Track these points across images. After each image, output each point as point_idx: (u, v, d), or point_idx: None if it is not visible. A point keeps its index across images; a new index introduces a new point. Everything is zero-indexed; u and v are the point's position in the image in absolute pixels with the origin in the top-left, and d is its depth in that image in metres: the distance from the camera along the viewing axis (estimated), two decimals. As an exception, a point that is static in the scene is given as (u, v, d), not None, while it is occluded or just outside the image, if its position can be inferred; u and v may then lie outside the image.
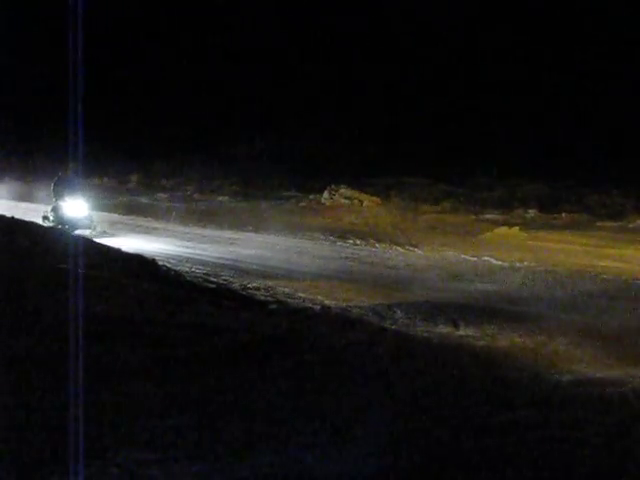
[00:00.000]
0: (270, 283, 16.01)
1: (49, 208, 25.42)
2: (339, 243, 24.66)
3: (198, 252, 21.49)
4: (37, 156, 44.48)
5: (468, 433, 7.10)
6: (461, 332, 11.88)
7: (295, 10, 47.44)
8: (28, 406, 6.89)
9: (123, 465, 5.83)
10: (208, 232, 26.36)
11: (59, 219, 24.65)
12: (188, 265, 18.46)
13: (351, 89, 46.60)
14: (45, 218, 25.13)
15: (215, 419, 6.95)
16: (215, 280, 15.88)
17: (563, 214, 31.76)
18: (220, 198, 38.25)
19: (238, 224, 28.33)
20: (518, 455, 6.61)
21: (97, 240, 20.45)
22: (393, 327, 11.49)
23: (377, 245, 24.03)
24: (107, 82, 48.31)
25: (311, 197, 39.73)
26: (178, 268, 17.31)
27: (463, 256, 21.29)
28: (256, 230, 26.90)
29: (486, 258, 20.66)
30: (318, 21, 48.30)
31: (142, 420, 6.75)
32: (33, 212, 26.75)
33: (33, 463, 5.80)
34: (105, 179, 43.22)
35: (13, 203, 33.42)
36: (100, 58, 42.96)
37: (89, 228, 24.55)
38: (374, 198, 37.44)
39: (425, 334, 11.31)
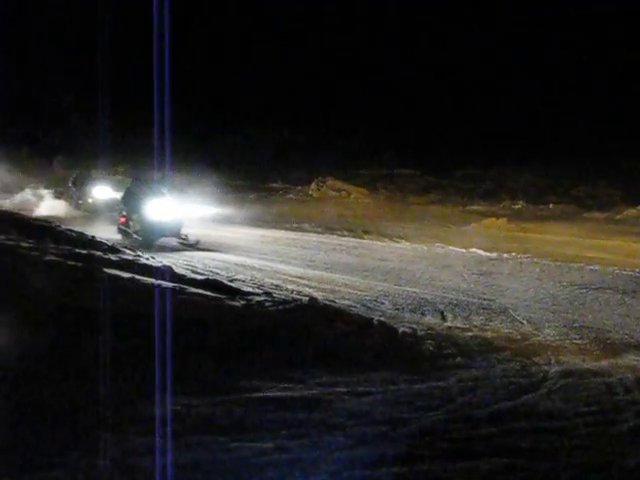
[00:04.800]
0: (257, 275, 16.00)
1: (121, 219, 21.95)
2: (327, 235, 24.67)
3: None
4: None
5: (457, 423, 7.14)
6: (449, 323, 11.90)
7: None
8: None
9: (114, 458, 5.85)
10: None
11: (140, 227, 21.14)
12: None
13: (337, 80, 46.56)
14: (123, 231, 21.60)
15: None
16: (201, 270, 15.86)
17: (551, 205, 31.87)
18: (207, 189, 38.20)
19: (225, 216, 28.40)
20: (505, 445, 6.66)
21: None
22: (381, 318, 11.48)
23: (365, 237, 24.05)
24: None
25: (298, 189, 39.74)
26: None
27: (451, 247, 21.33)
28: (242, 222, 26.92)
29: (474, 249, 20.70)
30: (309, 12, 48.21)
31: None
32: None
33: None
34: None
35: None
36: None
37: (177, 236, 21.35)
38: (362, 190, 37.51)
39: (413, 325, 11.32)
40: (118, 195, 25.15)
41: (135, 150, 41.15)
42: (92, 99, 39.52)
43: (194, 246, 20.71)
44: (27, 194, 33.16)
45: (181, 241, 21.21)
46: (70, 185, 31.04)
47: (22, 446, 6.00)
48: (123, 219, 21.85)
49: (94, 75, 42.69)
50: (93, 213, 27.85)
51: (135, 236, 20.88)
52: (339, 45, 47.59)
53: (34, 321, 8.88)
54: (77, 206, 29.79)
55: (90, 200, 29.36)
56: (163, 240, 20.96)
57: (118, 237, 20.96)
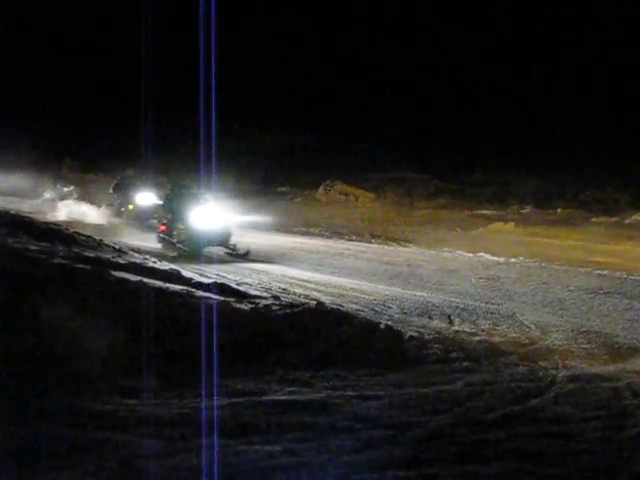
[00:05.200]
0: (264, 278, 16.02)
1: (161, 227, 20.83)
2: (334, 238, 24.68)
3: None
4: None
5: (464, 426, 7.14)
6: (456, 327, 11.90)
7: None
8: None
9: (123, 459, 5.87)
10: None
11: (185, 237, 19.82)
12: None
13: (346, 84, 46.59)
14: (164, 240, 20.46)
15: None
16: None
17: (559, 210, 31.83)
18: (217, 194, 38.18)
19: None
20: (513, 449, 6.65)
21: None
22: (388, 322, 11.49)
23: (372, 240, 24.06)
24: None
25: (306, 193, 39.76)
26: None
27: (458, 252, 21.32)
28: (250, 226, 26.91)
29: (481, 254, 20.69)
30: (316, 18, 48.25)
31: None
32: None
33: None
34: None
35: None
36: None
37: (226, 246, 20.11)
38: (369, 194, 37.51)
39: (420, 329, 11.32)
40: (160, 202, 24.27)
41: (173, 155, 40.87)
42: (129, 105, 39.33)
43: (244, 257, 19.48)
44: (68, 202, 31.69)
45: (229, 251, 20.00)
46: (111, 191, 29.79)
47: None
48: (163, 227, 20.66)
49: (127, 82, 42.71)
50: (135, 221, 26.88)
51: (180, 246, 19.67)
52: (346, 47, 47.63)
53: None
54: (118, 213, 28.59)
55: (132, 207, 28.13)
56: (210, 250, 19.81)
57: (158, 246, 20.23)
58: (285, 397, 7.71)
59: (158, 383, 7.82)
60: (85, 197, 32.39)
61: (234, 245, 20.02)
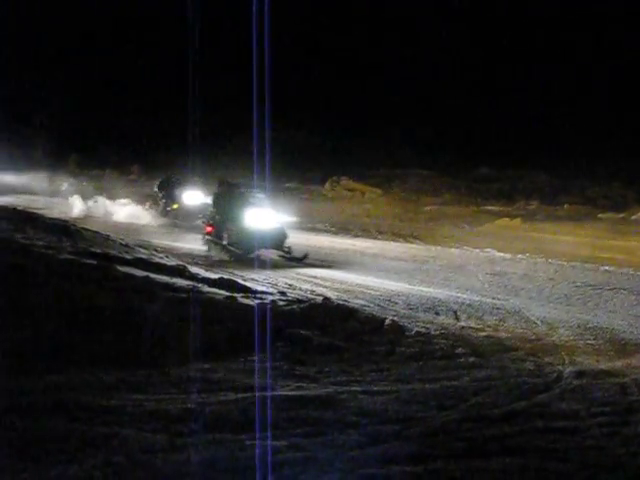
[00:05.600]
0: (271, 273, 16.02)
1: (208, 228, 19.49)
2: (340, 234, 24.67)
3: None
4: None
5: (470, 422, 7.14)
6: (462, 323, 11.90)
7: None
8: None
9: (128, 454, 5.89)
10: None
11: (236, 239, 18.35)
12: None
13: (351, 79, 46.55)
14: (211, 242, 19.16)
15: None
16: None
17: (565, 206, 31.78)
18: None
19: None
20: (519, 444, 6.66)
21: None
22: (394, 318, 11.49)
23: (379, 236, 24.04)
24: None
25: (312, 188, 39.75)
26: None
27: (465, 247, 21.30)
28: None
29: (488, 249, 20.67)
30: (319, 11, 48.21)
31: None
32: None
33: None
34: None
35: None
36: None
37: (280, 249, 18.52)
38: (376, 190, 37.48)
39: (426, 325, 11.32)
40: (209, 201, 22.52)
41: (220, 152, 40.48)
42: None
43: (301, 260, 18.07)
44: (106, 202, 29.90)
45: (284, 254, 18.44)
46: (156, 190, 28.31)
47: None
48: (210, 228, 19.28)
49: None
50: (182, 220, 25.70)
51: (231, 248, 18.30)
52: (352, 43, 47.58)
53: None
54: (164, 213, 27.19)
55: (178, 206, 26.89)
56: (263, 253, 18.15)
57: (204, 248, 19.23)
58: (292, 392, 7.72)
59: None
60: (114, 195, 30.90)
61: (289, 248, 18.55)
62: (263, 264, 17.15)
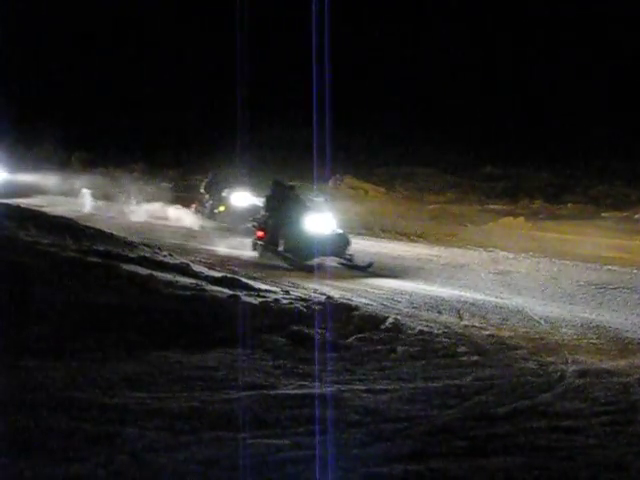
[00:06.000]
0: (275, 272, 16.03)
1: (259, 233, 18.20)
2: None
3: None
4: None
5: (473, 421, 7.15)
6: (465, 322, 11.90)
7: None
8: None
9: (133, 452, 5.90)
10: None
11: (293, 244, 17.17)
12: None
13: (353, 77, 46.52)
14: (263, 248, 17.93)
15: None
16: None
17: (568, 205, 31.75)
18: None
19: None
20: (522, 443, 6.66)
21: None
22: (397, 317, 11.49)
23: (382, 235, 24.03)
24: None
25: (316, 186, 39.72)
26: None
27: (468, 246, 21.29)
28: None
29: (491, 248, 20.65)
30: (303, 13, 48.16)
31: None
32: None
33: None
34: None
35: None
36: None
37: (342, 256, 17.28)
38: (379, 188, 37.46)
39: (429, 324, 11.33)
40: (259, 202, 21.76)
41: (269, 152, 39.97)
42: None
43: (365, 269, 16.82)
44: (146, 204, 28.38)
45: (345, 262, 17.22)
46: (202, 191, 26.44)
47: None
48: (261, 233, 18.01)
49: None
50: (230, 224, 23.93)
51: (289, 255, 17.12)
52: (352, 42, 47.53)
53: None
54: (211, 215, 25.42)
55: (223, 208, 25.11)
56: (322, 261, 17.08)
57: (254, 254, 18.12)
58: (295, 391, 7.73)
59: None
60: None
61: (351, 256, 17.29)
62: (324, 273, 16.16)
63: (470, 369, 8.98)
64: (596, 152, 36.33)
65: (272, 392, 7.61)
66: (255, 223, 18.88)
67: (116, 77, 49.72)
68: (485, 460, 6.27)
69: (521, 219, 27.21)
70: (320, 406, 7.26)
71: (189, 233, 22.79)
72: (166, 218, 25.90)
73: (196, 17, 50.12)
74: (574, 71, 41.43)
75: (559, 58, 42.61)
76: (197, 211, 26.02)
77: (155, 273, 11.50)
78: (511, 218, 27.51)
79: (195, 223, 24.87)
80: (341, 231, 17.57)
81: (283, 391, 7.68)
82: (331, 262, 17.17)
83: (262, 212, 18.80)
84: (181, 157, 44.03)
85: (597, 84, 40.41)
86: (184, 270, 12.65)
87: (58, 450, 5.89)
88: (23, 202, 24.44)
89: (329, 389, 7.83)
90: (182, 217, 25.65)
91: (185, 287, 11.00)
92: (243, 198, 24.93)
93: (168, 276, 11.58)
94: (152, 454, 5.96)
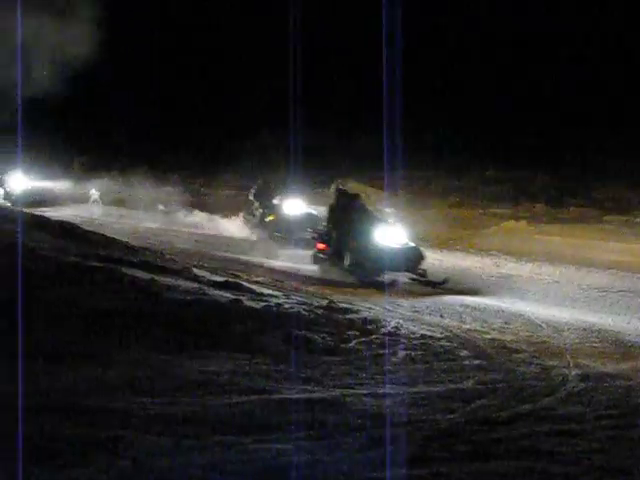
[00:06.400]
0: (277, 277, 16.03)
1: (319, 245, 17.32)
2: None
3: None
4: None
5: (475, 425, 7.14)
6: (467, 326, 11.90)
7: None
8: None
9: (135, 457, 5.89)
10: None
11: (361, 258, 16.01)
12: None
13: (354, 80, 46.55)
14: (325, 261, 17.09)
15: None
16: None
17: (571, 208, 31.72)
18: (226, 192, 38.17)
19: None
20: (524, 447, 6.66)
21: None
22: (399, 321, 11.51)
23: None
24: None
25: (318, 191, 39.75)
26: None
27: (470, 250, 21.28)
28: None
29: (493, 252, 20.65)
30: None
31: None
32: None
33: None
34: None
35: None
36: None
37: (413, 271, 16.19)
38: (381, 192, 37.45)
39: (431, 328, 11.33)
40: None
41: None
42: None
43: (439, 286, 15.75)
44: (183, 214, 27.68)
45: (417, 277, 16.13)
46: (251, 198, 24.74)
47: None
48: (323, 245, 17.10)
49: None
50: (281, 234, 22.50)
51: (356, 270, 16.18)
52: (351, 43, 47.55)
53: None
54: (261, 225, 23.77)
55: (273, 217, 23.50)
56: (392, 276, 16.09)
57: (313, 268, 17.21)
58: (297, 395, 7.72)
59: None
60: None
61: (424, 271, 16.24)
62: (395, 289, 15.37)
63: (473, 373, 8.98)
64: (598, 155, 36.29)
65: (274, 396, 7.60)
66: (315, 235, 18.04)
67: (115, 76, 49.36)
68: (487, 464, 6.26)
69: (523, 223, 27.18)
70: (322, 410, 7.25)
71: (238, 244, 21.77)
72: (208, 228, 24.78)
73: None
74: (577, 72, 41.41)
75: (562, 59, 42.59)
76: (246, 220, 24.75)
77: (157, 277, 11.52)
78: (513, 222, 27.49)
79: (244, 233, 23.80)
80: (413, 244, 16.56)
81: (285, 395, 7.68)
82: (402, 277, 16.13)
83: (323, 223, 17.88)
84: (184, 159, 43.87)
85: (600, 86, 40.39)
86: (186, 274, 12.66)
87: (60, 455, 5.89)
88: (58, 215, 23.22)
89: (331, 393, 7.82)
90: (228, 226, 24.66)
91: (187, 291, 11.02)
92: (296, 206, 23.61)
93: (170, 280, 11.59)
94: (154, 459, 5.94)
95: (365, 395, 7.86)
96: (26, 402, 6.88)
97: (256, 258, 18.84)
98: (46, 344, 8.41)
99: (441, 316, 12.74)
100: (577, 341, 11.15)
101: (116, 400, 7.16)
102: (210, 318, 9.91)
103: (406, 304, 13.72)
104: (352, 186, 38.15)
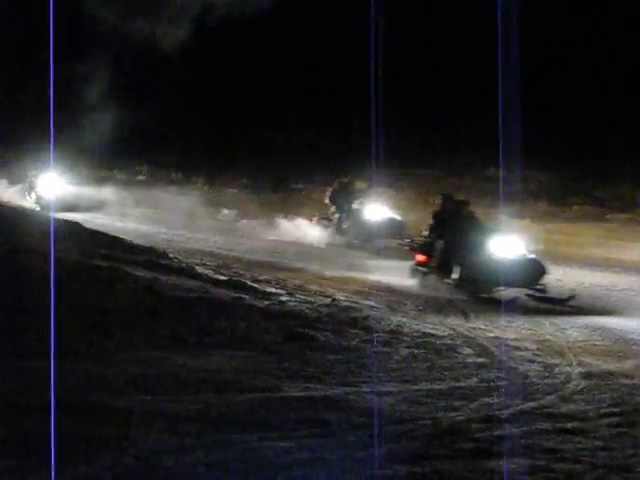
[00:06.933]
0: (280, 275, 15.97)
1: (419, 257, 15.90)
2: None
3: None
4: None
5: (479, 423, 7.14)
6: (471, 324, 11.89)
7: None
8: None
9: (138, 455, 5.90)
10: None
11: (475, 273, 14.49)
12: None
13: (358, 80, 46.53)
14: (425, 275, 15.51)
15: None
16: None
17: (574, 207, 31.71)
18: (230, 190, 38.15)
19: (246, 216, 28.07)
20: (528, 445, 6.65)
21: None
22: (403, 319, 11.51)
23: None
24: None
25: (321, 189, 39.74)
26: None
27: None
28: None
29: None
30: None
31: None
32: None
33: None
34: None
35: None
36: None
37: (532, 286, 14.57)
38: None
39: (435, 326, 11.33)
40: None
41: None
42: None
43: (564, 303, 14.14)
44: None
45: (535, 293, 14.54)
46: (327, 202, 22.99)
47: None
48: (423, 257, 15.71)
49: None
50: (362, 241, 20.82)
51: (470, 285, 14.65)
52: (357, 44, 47.53)
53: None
54: (340, 231, 21.76)
55: (354, 222, 21.51)
56: (508, 293, 14.31)
57: (410, 283, 15.53)
58: (300, 393, 7.72)
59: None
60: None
61: (544, 286, 14.64)
62: (513, 307, 13.49)
63: (475, 371, 8.97)
64: (601, 153, 36.26)
65: (277, 394, 7.61)
66: (414, 245, 16.76)
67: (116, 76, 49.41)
68: (490, 462, 6.26)
69: (527, 221, 27.17)
70: (325, 408, 7.25)
71: (315, 252, 20.18)
72: (280, 234, 22.83)
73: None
74: (579, 71, 41.38)
75: (563, 58, 42.56)
76: (322, 226, 22.65)
77: (160, 276, 11.52)
78: (517, 220, 27.46)
79: (321, 240, 21.80)
80: (533, 256, 15.09)
81: (288, 393, 7.68)
82: (518, 294, 14.45)
83: (425, 233, 16.42)
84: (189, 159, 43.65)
85: (602, 85, 40.35)
86: (189, 273, 12.67)
87: (63, 453, 5.89)
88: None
89: (334, 391, 7.82)
90: (302, 232, 22.60)
91: (190, 289, 11.02)
92: (378, 211, 21.69)
93: (173, 279, 11.59)
94: (157, 456, 5.95)
95: (367, 393, 7.85)
96: (29, 400, 6.90)
97: (340, 270, 17.02)
98: (48, 341, 8.42)
99: (445, 315, 12.70)
100: (580, 339, 11.12)
101: (119, 398, 7.17)
102: (213, 316, 9.93)
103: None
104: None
